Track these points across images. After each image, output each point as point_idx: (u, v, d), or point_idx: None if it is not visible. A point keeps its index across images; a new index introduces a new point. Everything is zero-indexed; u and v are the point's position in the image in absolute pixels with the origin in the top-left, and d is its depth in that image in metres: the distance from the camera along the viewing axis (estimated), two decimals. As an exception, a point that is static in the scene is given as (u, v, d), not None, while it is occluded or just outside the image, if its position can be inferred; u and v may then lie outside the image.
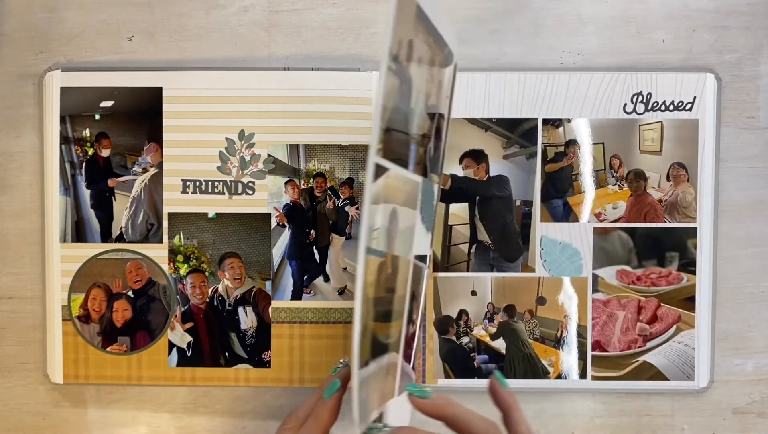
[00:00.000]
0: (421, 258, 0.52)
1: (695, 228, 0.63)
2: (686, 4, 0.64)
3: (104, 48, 0.64)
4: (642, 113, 0.63)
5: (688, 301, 0.63)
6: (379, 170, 0.40)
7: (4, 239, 0.64)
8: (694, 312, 0.63)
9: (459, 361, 0.64)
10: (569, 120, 0.63)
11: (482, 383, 0.63)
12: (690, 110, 0.63)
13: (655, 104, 0.63)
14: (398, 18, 0.39)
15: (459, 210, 0.64)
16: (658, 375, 0.63)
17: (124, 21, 0.64)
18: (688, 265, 0.63)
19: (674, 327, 0.63)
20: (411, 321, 0.50)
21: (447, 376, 0.64)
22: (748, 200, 0.64)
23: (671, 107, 0.63)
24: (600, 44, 0.64)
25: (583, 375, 0.63)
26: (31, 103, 0.64)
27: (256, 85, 0.62)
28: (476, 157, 0.63)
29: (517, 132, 0.63)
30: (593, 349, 0.63)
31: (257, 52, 0.64)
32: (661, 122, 0.63)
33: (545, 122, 0.63)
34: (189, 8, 0.64)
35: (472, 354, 0.64)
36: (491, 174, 0.63)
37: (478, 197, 0.64)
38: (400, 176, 0.44)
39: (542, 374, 0.63)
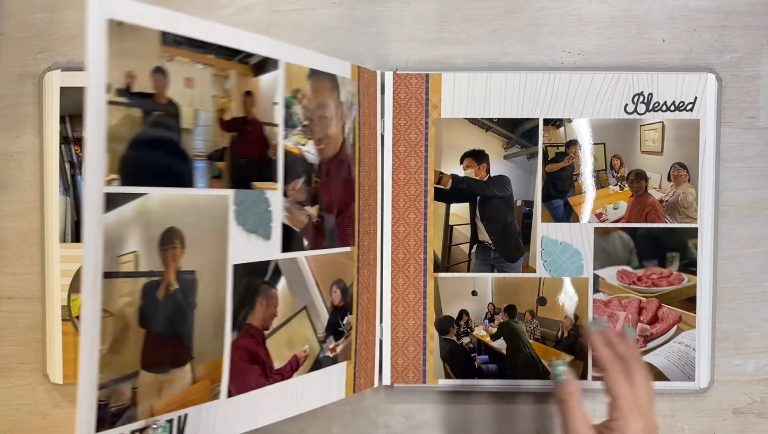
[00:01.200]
0: (265, 264, 0.53)
1: (696, 228, 0.63)
2: (686, 4, 0.64)
3: (104, 48, 0.64)
4: (643, 113, 0.63)
5: (688, 301, 0.63)
6: (119, 198, 0.43)
7: (4, 239, 0.64)
8: (695, 313, 0.63)
9: (459, 361, 0.63)
10: (570, 120, 0.63)
11: (483, 383, 0.63)
12: (691, 110, 0.63)
13: (656, 104, 0.63)
14: (120, 52, 0.42)
15: (460, 210, 0.64)
16: (658, 375, 0.63)
17: (124, 21, 0.64)
18: (689, 265, 0.63)
19: (675, 327, 0.63)
20: (243, 324, 0.52)
21: (447, 376, 0.63)
22: (748, 200, 0.64)
23: (672, 107, 0.63)
24: (600, 44, 0.64)
25: (583, 375, 0.63)
26: (30, 103, 0.64)
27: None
28: (477, 157, 0.63)
29: (517, 132, 0.63)
30: (594, 349, 0.63)
31: (257, 52, 0.64)
32: (662, 122, 0.63)
33: (546, 122, 0.63)
34: (189, 8, 0.64)
35: (473, 355, 0.64)
36: (492, 174, 0.63)
37: (478, 197, 0.63)
38: (174, 195, 0.47)
39: (542, 374, 0.63)
